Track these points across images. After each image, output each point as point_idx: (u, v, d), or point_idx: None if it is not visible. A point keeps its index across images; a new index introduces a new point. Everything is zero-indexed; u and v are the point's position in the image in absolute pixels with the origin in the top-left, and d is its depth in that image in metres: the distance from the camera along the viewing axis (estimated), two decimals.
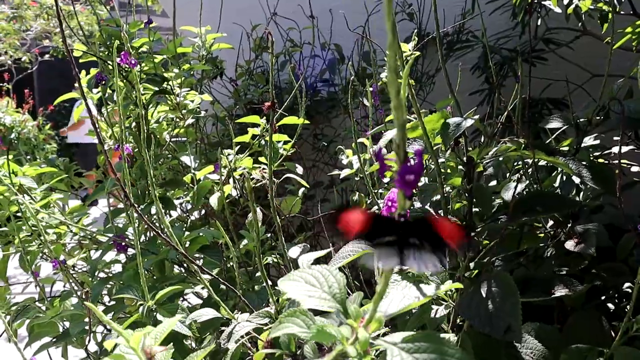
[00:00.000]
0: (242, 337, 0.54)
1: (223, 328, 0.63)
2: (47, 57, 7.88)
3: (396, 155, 0.27)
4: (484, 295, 0.56)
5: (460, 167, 0.65)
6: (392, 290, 0.42)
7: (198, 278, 1.05)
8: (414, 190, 0.29)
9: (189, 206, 1.48)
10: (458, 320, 0.66)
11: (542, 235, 0.95)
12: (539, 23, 1.81)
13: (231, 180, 1.26)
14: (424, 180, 0.74)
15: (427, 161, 0.76)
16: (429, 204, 0.66)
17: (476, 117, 0.60)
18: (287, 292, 0.40)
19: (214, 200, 1.21)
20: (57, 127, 7.27)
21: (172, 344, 0.44)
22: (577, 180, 1.04)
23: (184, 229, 1.27)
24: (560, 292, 0.65)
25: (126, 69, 1.17)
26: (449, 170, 0.69)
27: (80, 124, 5.30)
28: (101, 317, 0.38)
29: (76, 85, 1.55)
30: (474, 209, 0.65)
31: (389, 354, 0.33)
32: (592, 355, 0.63)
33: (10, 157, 1.21)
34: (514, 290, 0.55)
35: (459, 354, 0.32)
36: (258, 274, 1.09)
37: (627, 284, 0.93)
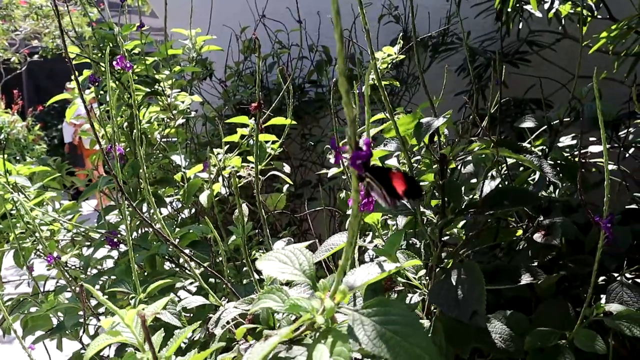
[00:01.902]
0: (228, 322, 0.59)
1: (211, 315, 0.67)
2: (36, 57, 7.86)
3: (348, 144, 0.33)
4: (453, 282, 0.61)
5: (434, 164, 0.69)
6: (358, 269, 0.47)
7: (188, 272, 1.09)
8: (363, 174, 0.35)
9: (180, 205, 1.51)
10: (432, 308, 0.71)
11: (519, 231, 1.00)
12: (521, 26, 1.87)
13: (220, 178, 1.30)
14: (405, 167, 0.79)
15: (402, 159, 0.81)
16: None
17: (448, 116, 0.64)
18: (263, 270, 0.44)
19: (203, 198, 1.25)
20: (46, 128, 7.26)
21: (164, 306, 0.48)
22: (556, 181, 1.09)
23: (174, 226, 1.31)
24: (526, 280, 0.70)
25: (119, 71, 1.21)
26: (424, 168, 0.73)
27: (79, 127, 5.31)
28: (98, 297, 0.42)
29: (67, 86, 1.58)
30: (446, 203, 0.69)
31: (351, 319, 0.38)
32: (554, 338, 0.68)
33: (5, 156, 1.24)
34: (481, 278, 0.60)
35: (405, 313, 0.37)
36: (246, 268, 1.13)
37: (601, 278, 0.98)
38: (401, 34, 1.72)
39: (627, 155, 1.28)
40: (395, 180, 0.39)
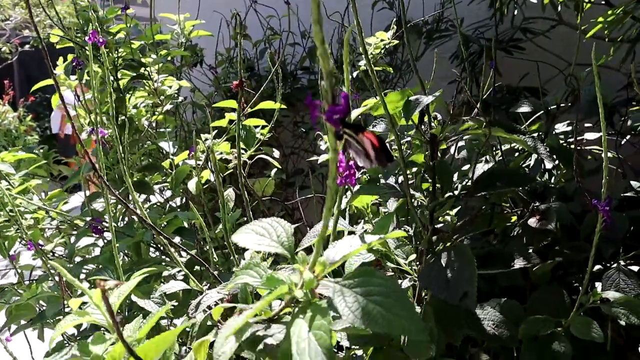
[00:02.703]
0: (209, 307, 0.56)
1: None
2: (27, 47, 7.77)
3: (325, 98, 0.30)
4: (443, 265, 0.58)
5: (424, 145, 0.67)
6: (339, 241, 0.44)
7: (173, 260, 1.06)
8: (340, 130, 0.33)
9: (170, 193, 1.48)
10: (423, 294, 0.68)
11: (514, 217, 0.98)
12: (515, 12, 1.84)
13: (209, 164, 1.27)
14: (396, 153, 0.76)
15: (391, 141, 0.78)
16: (394, 182, 0.68)
17: (438, 94, 0.62)
18: (239, 242, 0.42)
19: (192, 185, 1.22)
20: (38, 119, 7.18)
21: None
22: (549, 165, 1.07)
23: (163, 214, 1.28)
24: (519, 264, 0.67)
25: (99, 53, 1.17)
26: (410, 151, 0.71)
27: (65, 118, 5.25)
28: (65, 276, 0.40)
29: (54, 71, 1.54)
30: (437, 186, 0.67)
31: (331, 291, 0.36)
32: (549, 325, 0.66)
33: None
34: (471, 259, 0.57)
35: (388, 283, 0.35)
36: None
37: (597, 266, 0.96)
38: (395, 19, 1.70)
39: (622, 142, 1.26)
40: (367, 140, 0.37)
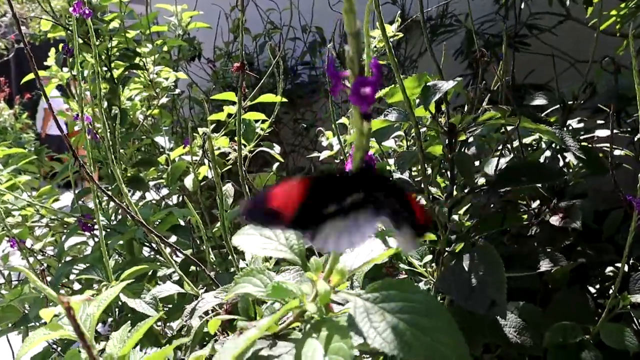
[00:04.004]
0: (206, 313, 0.50)
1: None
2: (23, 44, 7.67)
3: (350, 67, 0.23)
4: (466, 268, 0.53)
5: (442, 135, 0.61)
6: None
7: (166, 260, 1.00)
8: (370, 109, 0.25)
9: (166, 191, 1.43)
10: (439, 298, 0.63)
11: (525, 216, 0.92)
12: (522, 7, 1.79)
13: (207, 160, 1.21)
14: (404, 147, 0.71)
15: (408, 129, 0.73)
16: (407, 175, 0.63)
17: (458, 79, 0.56)
18: (240, 246, 0.36)
19: (188, 182, 1.16)
20: (34, 117, 7.10)
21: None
22: (561, 162, 1.01)
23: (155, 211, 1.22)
24: (546, 266, 0.62)
25: (94, 42, 1.11)
26: (429, 140, 0.65)
27: (49, 116, 5.17)
28: (34, 282, 0.34)
29: (46, 63, 1.48)
30: (455, 180, 0.61)
31: (352, 306, 0.29)
32: (577, 333, 0.60)
33: None
34: (499, 262, 0.51)
35: (424, 298, 0.28)
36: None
37: (609, 268, 0.91)
38: (399, 12, 1.64)
39: (636, 138, 1.21)
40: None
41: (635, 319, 0.63)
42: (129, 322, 0.51)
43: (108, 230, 0.97)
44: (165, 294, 0.67)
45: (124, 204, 0.66)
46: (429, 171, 0.66)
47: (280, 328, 0.34)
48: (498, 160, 0.67)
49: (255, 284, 0.35)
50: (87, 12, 0.61)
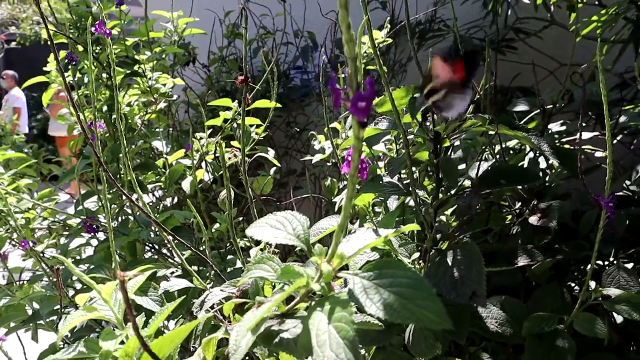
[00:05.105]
0: (212, 307, 0.55)
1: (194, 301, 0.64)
2: (13, 44, 7.67)
3: (349, 84, 0.29)
4: (449, 263, 0.58)
5: (428, 142, 0.66)
6: (353, 235, 0.44)
7: (170, 259, 1.05)
8: (366, 119, 0.31)
9: (162, 193, 1.47)
10: None
11: (509, 216, 0.98)
12: (509, 13, 1.85)
13: (203, 164, 1.26)
14: (393, 153, 0.76)
15: (397, 135, 0.78)
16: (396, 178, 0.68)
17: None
18: (255, 235, 0.41)
19: (186, 185, 1.21)
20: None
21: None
22: (543, 164, 1.07)
23: (157, 214, 1.27)
24: (523, 261, 0.67)
25: (96, 51, 1.16)
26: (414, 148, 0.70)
27: (57, 108, 5.15)
28: (73, 270, 0.39)
29: (46, 68, 1.52)
30: (441, 183, 0.66)
31: (350, 283, 0.35)
32: (552, 322, 0.66)
33: None
34: (479, 257, 0.57)
35: (410, 274, 0.35)
36: (230, 257, 1.09)
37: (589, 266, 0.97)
38: (388, 18, 1.69)
39: (614, 141, 1.27)
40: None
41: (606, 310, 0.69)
42: (143, 313, 0.56)
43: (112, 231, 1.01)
44: (176, 287, 0.72)
45: (131, 202, 0.70)
46: (417, 175, 0.71)
47: (287, 308, 0.40)
48: (479, 164, 0.72)
49: (266, 269, 0.41)
50: (107, 32, 0.65)
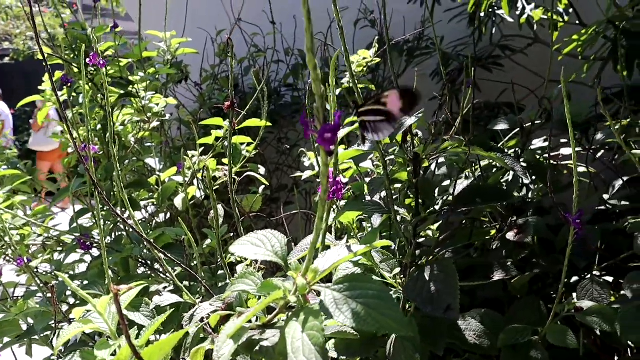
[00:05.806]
0: (202, 320, 0.58)
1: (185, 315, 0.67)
2: (7, 60, 7.70)
3: (316, 118, 0.33)
4: (427, 278, 0.61)
5: (408, 162, 0.70)
6: (328, 251, 0.47)
7: (162, 274, 1.08)
8: (332, 147, 0.35)
9: (155, 210, 1.50)
10: (407, 306, 0.71)
11: (493, 231, 1.01)
12: (494, 31, 1.90)
13: (195, 181, 1.29)
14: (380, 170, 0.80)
15: (376, 158, 0.81)
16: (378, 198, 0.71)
17: (420, 114, 0.65)
18: (237, 252, 0.45)
19: (178, 202, 1.23)
20: (17, 132, 7.10)
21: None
22: (527, 180, 1.11)
23: (149, 231, 1.29)
24: (498, 276, 0.70)
25: (91, 72, 1.19)
26: (395, 168, 0.74)
27: (39, 128, 5.14)
28: (70, 285, 0.42)
29: (40, 87, 1.55)
30: (420, 202, 0.70)
31: (322, 295, 0.39)
32: (526, 334, 0.69)
33: None
34: (454, 273, 0.60)
35: (377, 287, 0.38)
36: (221, 272, 1.12)
37: (574, 278, 1.00)
38: (377, 37, 1.74)
39: (596, 157, 1.31)
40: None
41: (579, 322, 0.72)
42: (136, 327, 0.59)
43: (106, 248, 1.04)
44: (167, 302, 0.75)
45: (127, 222, 0.73)
46: (398, 195, 0.74)
47: (268, 319, 0.44)
48: (455, 183, 0.76)
49: (248, 283, 0.45)
50: (101, 62, 0.69)
